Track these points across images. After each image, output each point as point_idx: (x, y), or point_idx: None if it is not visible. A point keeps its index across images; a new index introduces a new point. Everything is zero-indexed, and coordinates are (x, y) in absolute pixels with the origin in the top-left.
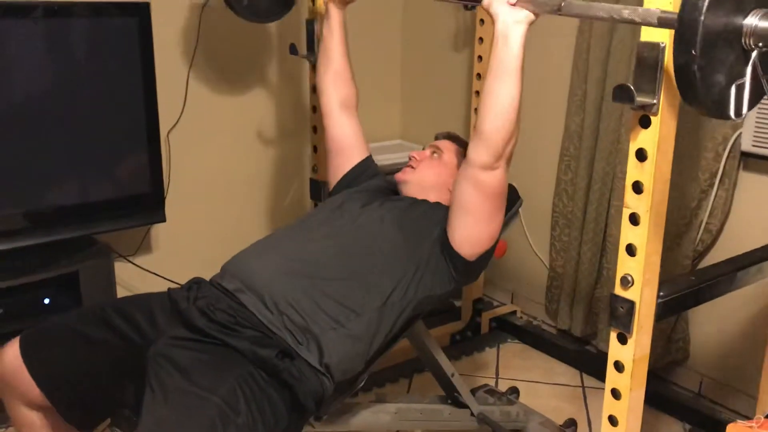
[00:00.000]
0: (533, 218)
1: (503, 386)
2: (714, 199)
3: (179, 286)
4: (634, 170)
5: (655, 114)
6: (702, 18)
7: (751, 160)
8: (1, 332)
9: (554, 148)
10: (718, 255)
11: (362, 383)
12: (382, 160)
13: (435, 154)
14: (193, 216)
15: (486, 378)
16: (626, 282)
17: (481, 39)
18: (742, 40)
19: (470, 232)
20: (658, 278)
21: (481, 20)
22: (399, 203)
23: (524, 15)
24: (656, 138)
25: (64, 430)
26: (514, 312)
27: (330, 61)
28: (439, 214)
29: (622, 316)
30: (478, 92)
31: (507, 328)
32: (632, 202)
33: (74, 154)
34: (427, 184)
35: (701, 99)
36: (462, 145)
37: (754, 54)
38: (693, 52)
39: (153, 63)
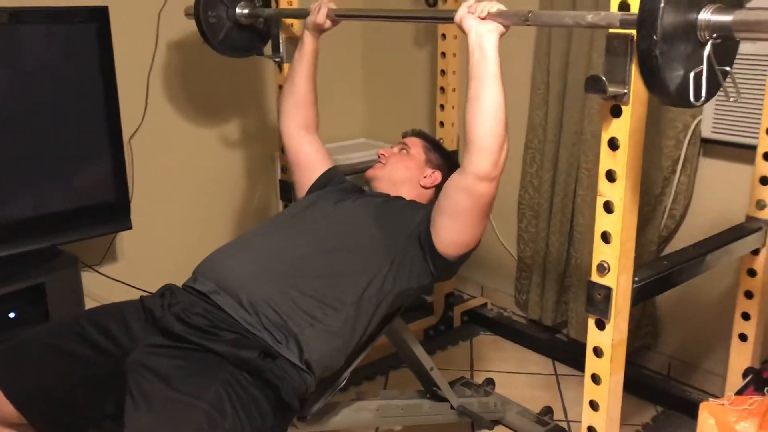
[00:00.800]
0: (500, 211)
1: (479, 378)
2: (677, 185)
3: (149, 293)
4: (607, 159)
5: (626, 103)
6: (660, 12)
7: (710, 146)
8: None
9: (518, 141)
10: (681, 239)
11: (344, 382)
12: (346, 159)
13: (403, 150)
14: (159, 222)
15: (461, 371)
16: (602, 269)
17: (443, 35)
18: (697, 33)
19: (457, 237)
20: (633, 265)
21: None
22: (373, 199)
23: (494, 26)
24: (627, 127)
25: None
26: (485, 304)
27: (295, 86)
28: (417, 212)
29: (599, 302)
30: (443, 88)
31: (479, 321)
32: (606, 190)
33: (35, 163)
34: (398, 179)
35: (664, 87)
36: (428, 141)
37: (708, 46)
38: (654, 37)
39: (113, 68)
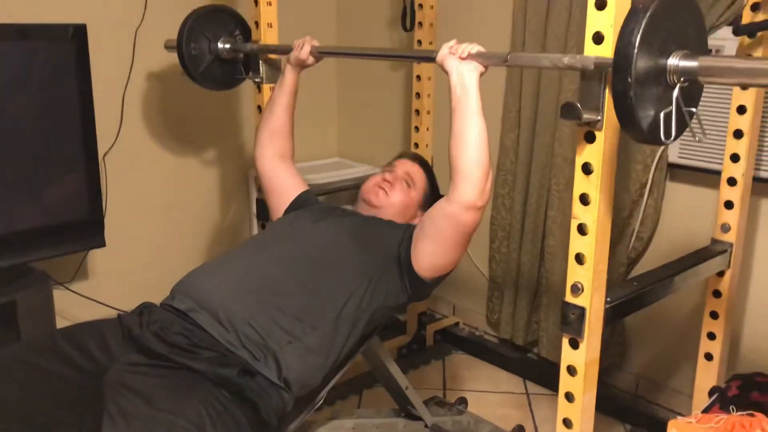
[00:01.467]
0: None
1: (451, 397)
2: (644, 208)
3: (120, 312)
4: (581, 183)
5: (600, 129)
6: (634, 57)
7: (677, 171)
8: None
9: (491, 164)
10: (649, 261)
11: (321, 401)
12: (320, 178)
13: (407, 184)
14: (131, 240)
15: (434, 390)
16: (576, 289)
17: None
18: (667, 77)
19: (437, 261)
20: (605, 285)
21: (419, 41)
22: (352, 218)
23: (474, 65)
24: (601, 152)
25: None
26: (457, 323)
27: (273, 117)
28: (397, 231)
29: (573, 322)
30: (418, 111)
31: (451, 340)
32: (580, 213)
33: (8, 179)
34: (393, 214)
35: (637, 126)
36: (430, 181)
37: (676, 88)
38: (629, 80)
39: (90, 85)
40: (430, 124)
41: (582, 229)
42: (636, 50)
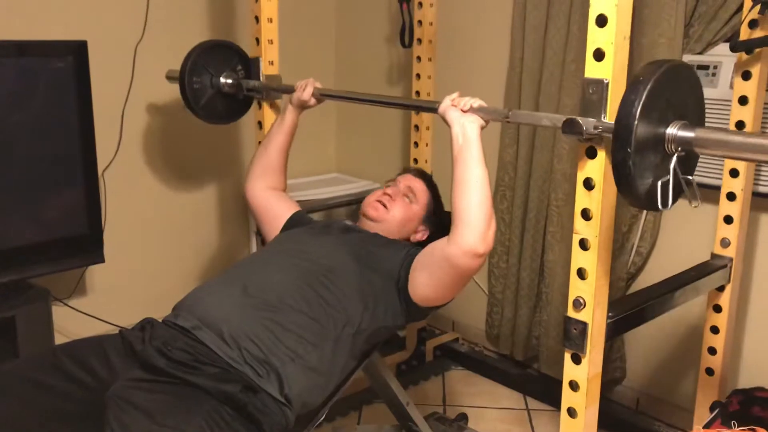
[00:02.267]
0: None
1: (451, 413)
2: (644, 223)
3: (120, 328)
4: (582, 198)
5: (601, 145)
6: (635, 127)
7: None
8: None
9: (490, 179)
10: (648, 276)
11: (322, 417)
12: (318, 193)
13: (408, 198)
14: (131, 256)
15: (434, 406)
16: (578, 304)
17: (418, 75)
18: (665, 146)
19: (432, 295)
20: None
21: (418, 57)
22: (352, 236)
23: (476, 118)
24: (602, 168)
25: None
26: (456, 339)
27: (267, 155)
28: (396, 254)
29: (575, 337)
30: (417, 126)
31: (451, 356)
32: (582, 228)
33: (7, 195)
34: (394, 230)
35: (635, 193)
36: (434, 196)
37: (674, 157)
38: (628, 150)
39: (90, 101)
40: (430, 139)
41: (584, 244)
42: (636, 121)
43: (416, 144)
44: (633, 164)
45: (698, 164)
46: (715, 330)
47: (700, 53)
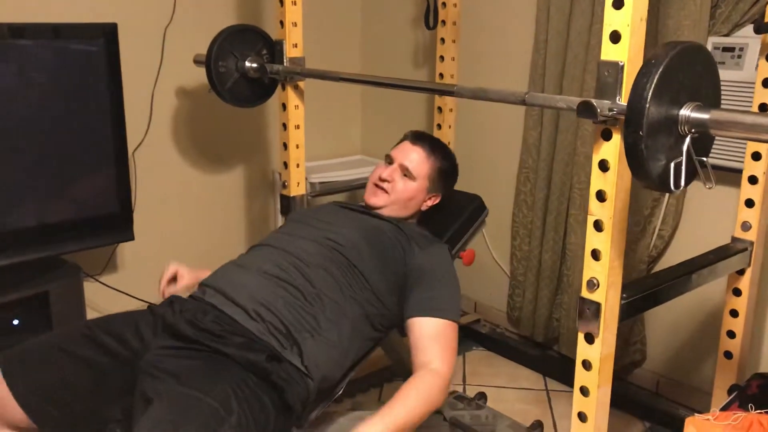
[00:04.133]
0: (494, 229)
1: (471, 392)
2: (666, 206)
3: (149, 304)
4: (597, 180)
5: (616, 126)
6: (646, 111)
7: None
8: None
9: (513, 161)
10: (670, 259)
11: (340, 392)
12: (343, 175)
13: (407, 176)
14: (160, 234)
15: (454, 385)
16: (592, 285)
17: (442, 57)
18: (678, 127)
19: None
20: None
21: (442, 39)
22: (370, 221)
23: None
24: (617, 149)
25: None
26: (478, 320)
27: None
28: (401, 258)
29: (589, 317)
30: (440, 108)
31: (472, 336)
32: (596, 209)
33: (41, 174)
34: (400, 208)
35: (648, 175)
36: (437, 161)
37: (687, 139)
38: (640, 133)
39: (120, 83)
40: (453, 121)
41: (598, 226)
42: (648, 104)
43: (439, 126)
44: (645, 146)
45: (720, 147)
46: (734, 313)
47: (726, 35)
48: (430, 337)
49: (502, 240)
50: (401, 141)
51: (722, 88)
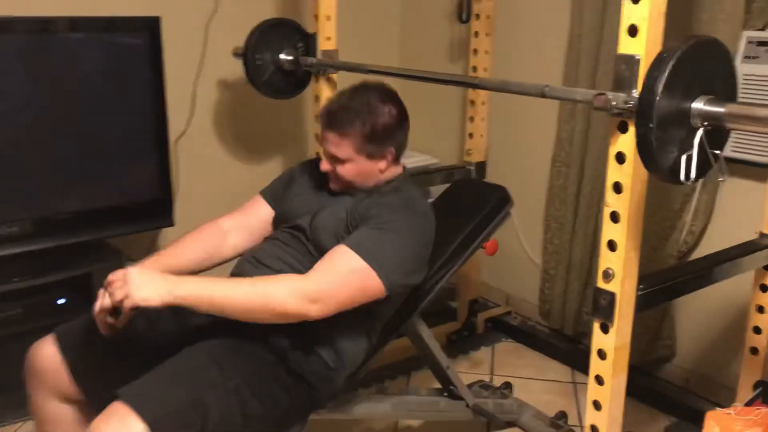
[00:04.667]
0: (527, 222)
1: (498, 383)
2: (696, 202)
3: None
4: (614, 172)
5: (632, 119)
6: (656, 103)
7: (731, 165)
8: (19, 330)
9: (546, 155)
10: (701, 255)
11: (363, 373)
12: None
13: (339, 162)
14: (199, 220)
15: (481, 375)
16: (608, 275)
17: (475, 50)
18: (690, 120)
19: None
20: (638, 272)
21: (476, 32)
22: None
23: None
24: (633, 142)
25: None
26: (509, 312)
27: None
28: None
29: (604, 307)
30: (473, 101)
31: (502, 328)
32: (613, 201)
33: (87, 161)
34: (362, 184)
35: (658, 167)
36: (358, 128)
37: (699, 131)
38: (650, 125)
39: (162, 75)
40: (486, 115)
41: (615, 217)
42: (658, 98)
43: (471, 119)
44: (655, 138)
45: (753, 143)
46: (761, 309)
47: (761, 29)
48: (324, 258)
49: (535, 233)
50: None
51: (756, 82)
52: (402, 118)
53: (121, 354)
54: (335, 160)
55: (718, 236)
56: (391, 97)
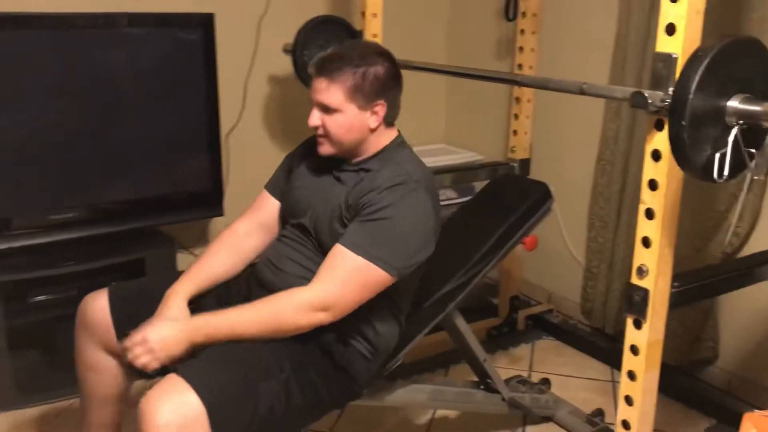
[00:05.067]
0: (571, 221)
1: (536, 379)
2: (743, 202)
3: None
4: (650, 169)
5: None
6: (689, 101)
7: None
8: (73, 312)
9: (591, 153)
10: None
11: (399, 361)
12: (426, 162)
13: (328, 112)
14: None
15: (520, 371)
16: (641, 272)
17: (521, 48)
18: (725, 118)
19: None
20: (672, 269)
21: (522, 30)
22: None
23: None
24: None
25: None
26: (551, 310)
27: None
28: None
29: (637, 303)
30: (518, 99)
31: (542, 326)
32: (648, 198)
33: (142, 152)
34: (352, 146)
35: (690, 163)
36: (348, 74)
37: (735, 130)
38: (683, 123)
39: (215, 70)
40: (531, 112)
41: (650, 214)
42: (691, 95)
43: (516, 116)
44: (688, 135)
45: None
46: None
47: None
48: (324, 263)
49: (579, 232)
50: (311, 79)
51: None
52: (395, 75)
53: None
54: (324, 110)
55: (765, 239)
56: (386, 54)
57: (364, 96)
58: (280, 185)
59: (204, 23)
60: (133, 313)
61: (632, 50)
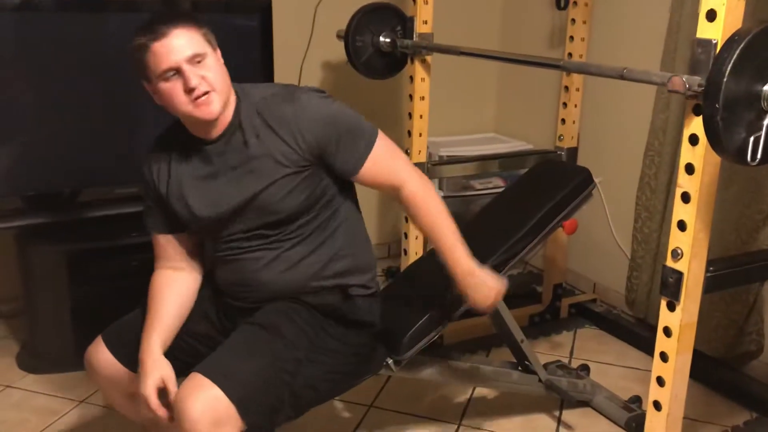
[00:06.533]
0: (617, 211)
1: (575, 365)
2: None
3: None
4: (687, 153)
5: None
6: (723, 85)
7: None
8: (133, 282)
9: (639, 143)
10: None
11: (437, 335)
12: (474, 150)
13: (199, 62)
14: None
15: (561, 356)
16: (676, 255)
17: (571, 37)
18: (761, 102)
19: None
20: (707, 253)
21: (573, 19)
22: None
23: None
24: None
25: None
26: (594, 300)
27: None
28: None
29: (671, 285)
30: (567, 87)
31: (585, 314)
32: (684, 182)
33: None
34: (228, 94)
35: (724, 146)
36: (188, 17)
37: None
38: (716, 106)
39: (272, 54)
40: (579, 101)
41: (686, 197)
42: (725, 79)
43: (564, 105)
44: (721, 119)
45: None
46: None
47: None
48: (381, 168)
49: (625, 222)
50: (147, 50)
51: None
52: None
53: (189, 354)
54: (195, 61)
55: None
56: None
57: (212, 39)
58: (164, 220)
59: (262, 9)
60: (134, 350)
61: (684, 39)
